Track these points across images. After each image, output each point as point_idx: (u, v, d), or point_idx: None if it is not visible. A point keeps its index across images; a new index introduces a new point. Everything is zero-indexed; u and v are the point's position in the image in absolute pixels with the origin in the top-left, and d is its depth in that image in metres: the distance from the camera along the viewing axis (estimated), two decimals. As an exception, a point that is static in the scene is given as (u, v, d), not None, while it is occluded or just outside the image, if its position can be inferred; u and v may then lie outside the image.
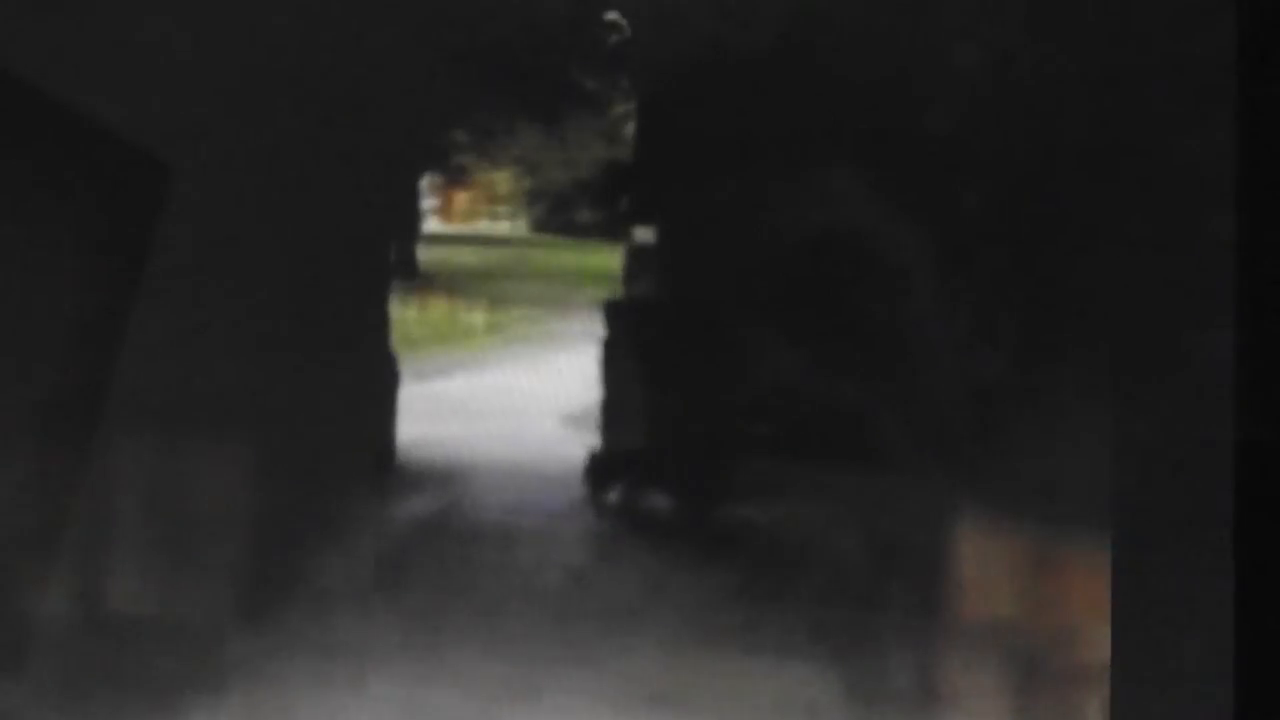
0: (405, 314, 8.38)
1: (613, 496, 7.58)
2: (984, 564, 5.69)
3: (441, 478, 7.94)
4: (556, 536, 7.43)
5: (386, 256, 8.24)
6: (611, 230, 8.43)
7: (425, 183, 8.82)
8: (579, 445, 7.59)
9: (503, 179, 9.06)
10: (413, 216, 8.65)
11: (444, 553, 7.37)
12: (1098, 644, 4.83)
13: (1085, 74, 5.12)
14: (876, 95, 6.40)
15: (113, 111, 5.66)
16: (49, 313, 5.51)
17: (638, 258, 8.00)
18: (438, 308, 8.84)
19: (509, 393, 8.48)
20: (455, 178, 8.98)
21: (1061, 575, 5.36)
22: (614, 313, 8.00)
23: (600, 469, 7.60)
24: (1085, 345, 5.14)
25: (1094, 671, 4.96)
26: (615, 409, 7.60)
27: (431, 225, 8.95)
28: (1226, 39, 4.03)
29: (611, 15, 8.05)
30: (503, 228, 9.24)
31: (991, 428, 5.64)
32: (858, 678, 6.03)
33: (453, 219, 9.13)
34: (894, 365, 6.30)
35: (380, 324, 8.02)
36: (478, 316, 8.98)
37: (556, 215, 9.04)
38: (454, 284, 9.07)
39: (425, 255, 8.81)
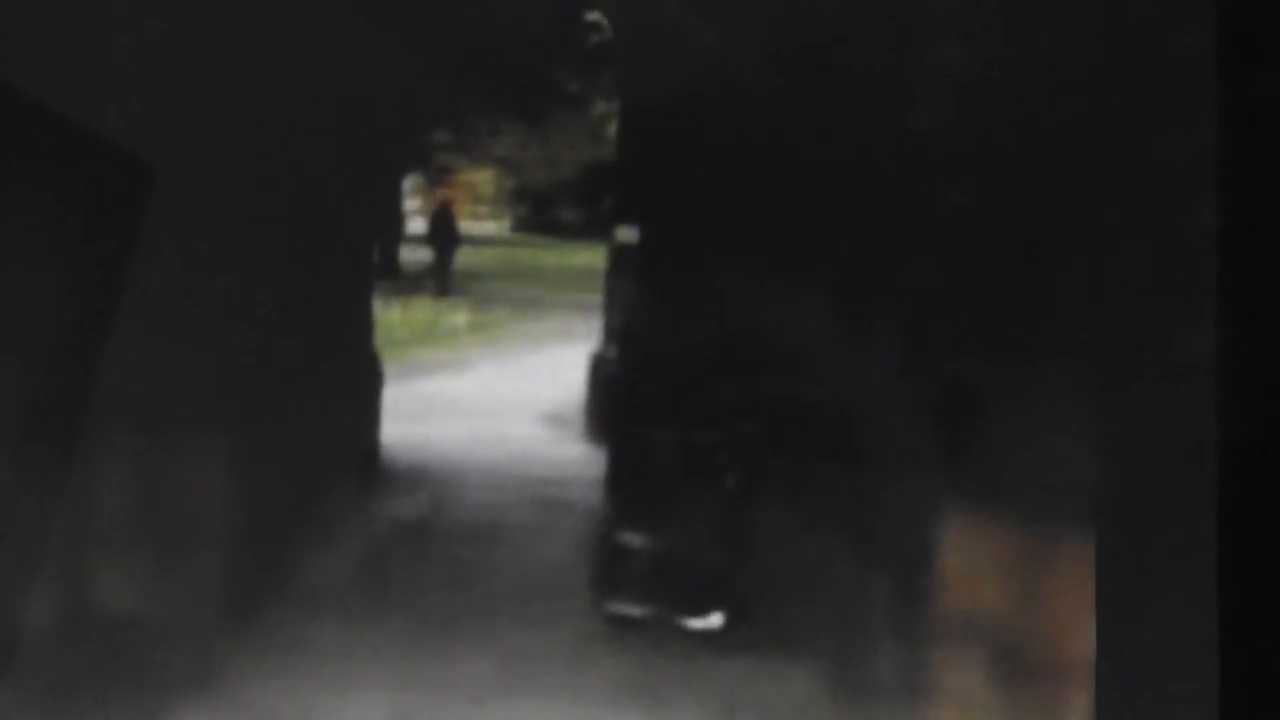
0: (389, 315, 8.39)
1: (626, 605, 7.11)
2: (970, 560, 5.69)
3: (424, 477, 7.94)
4: (538, 534, 7.43)
5: (370, 257, 8.24)
6: (594, 230, 8.43)
7: (408, 183, 8.83)
8: (562, 447, 7.60)
9: (485, 179, 9.07)
10: (396, 217, 8.65)
11: (427, 551, 7.38)
12: (1083, 639, 4.83)
13: (1068, 72, 5.13)
14: (859, 94, 6.39)
15: (96, 113, 5.64)
16: (32, 314, 5.49)
17: (620, 257, 8.00)
18: (421, 308, 8.84)
19: (492, 393, 8.49)
20: (438, 178, 8.98)
21: (1047, 571, 5.35)
22: (598, 311, 8.00)
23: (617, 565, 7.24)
24: (1070, 343, 5.15)
25: (1079, 666, 4.96)
26: (598, 410, 7.58)
27: (415, 226, 8.96)
28: (1207, 35, 4.03)
29: (593, 16, 8.06)
30: (486, 228, 9.26)
31: (977, 426, 5.64)
32: (844, 673, 6.04)
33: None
34: (878, 363, 6.30)
35: (364, 325, 8.03)
36: (461, 317, 8.98)
37: (539, 215, 9.06)
38: (437, 284, 9.07)
39: (408, 256, 8.82)
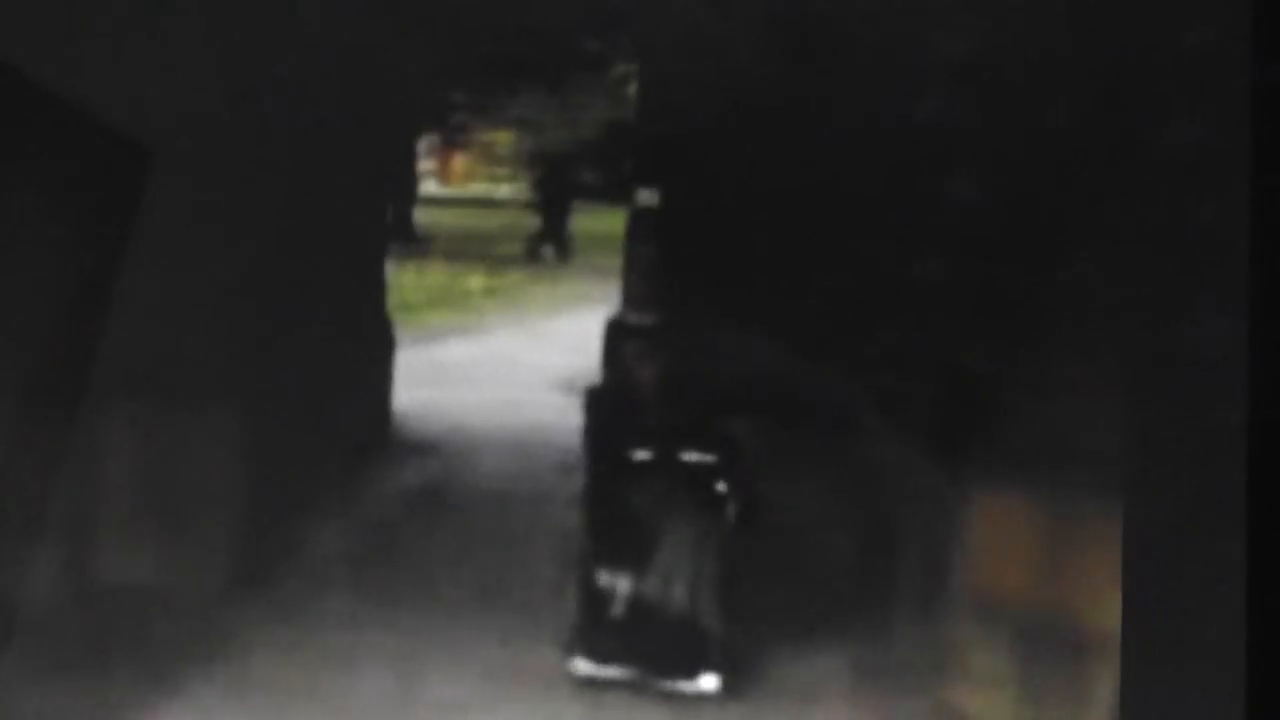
0: (402, 278, 8.31)
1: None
2: (998, 538, 5.62)
3: (438, 444, 7.88)
4: (553, 503, 7.34)
5: (383, 220, 8.17)
6: (614, 192, 8.34)
7: (423, 144, 8.75)
8: (579, 414, 7.49)
9: (502, 140, 8.98)
10: (410, 179, 8.58)
11: (440, 520, 7.32)
12: (1109, 614, 4.79)
13: (1104, 62, 5.05)
14: (880, 69, 6.30)
15: (104, 75, 5.58)
16: (32, 288, 5.44)
17: (640, 220, 7.90)
18: (435, 272, 8.77)
19: (507, 358, 8.41)
20: (453, 139, 8.90)
21: (1073, 547, 5.30)
22: (617, 275, 7.89)
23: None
24: (1099, 322, 5.07)
25: (1105, 641, 4.91)
26: (613, 378, 7.32)
27: (429, 188, 8.89)
28: (1240, 25, 4.00)
29: (613, -26, 7.96)
30: (502, 190, 9.17)
31: (1003, 405, 5.54)
32: (869, 652, 5.96)
33: (451, 181, 9.07)
34: (903, 339, 6.19)
35: (377, 289, 7.96)
36: (476, 280, 8.91)
37: (557, 177, 8.97)
38: (452, 247, 9.00)
39: (423, 218, 8.75)
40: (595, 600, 6.06)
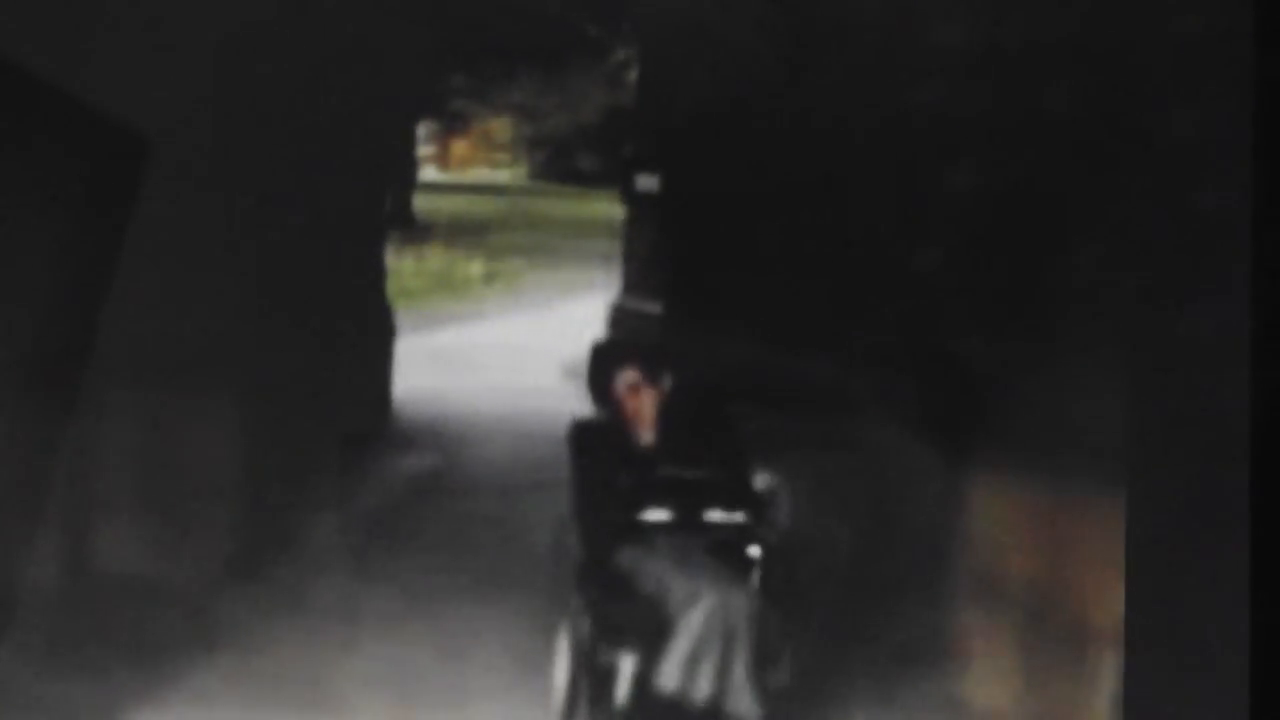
0: (402, 264, 8.30)
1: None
2: (1001, 523, 5.60)
3: (439, 431, 7.87)
4: (554, 489, 7.34)
5: (382, 206, 8.15)
6: (613, 178, 8.34)
7: (422, 130, 8.73)
8: (580, 399, 7.48)
9: (501, 126, 8.98)
10: (409, 165, 8.56)
11: (440, 506, 7.30)
12: (1113, 600, 4.78)
13: (1105, 51, 5.03)
14: (880, 57, 6.28)
15: (103, 65, 5.55)
16: (31, 278, 5.41)
17: (640, 205, 7.88)
18: (435, 258, 8.76)
19: (507, 344, 8.39)
20: (453, 125, 8.90)
21: (1077, 532, 5.29)
22: (617, 261, 7.89)
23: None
24: (1102, 308, 5.06)
25: (1109, 627, 4.90)
26: (606, 416, 6.37)
27: (429, 174, 8.88)
28: (1242, 14, 3.99)
29: (612, -41, 7.95)
30: (502, 176, 9.18)
31: (1013, 395, 5.52)
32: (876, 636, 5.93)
33: (450, 167, 9.07)
34: (904, 327, 6.16)
35: (376, 275, 7.94)
36: (476, 267, 8.90)
37: (557, 163, 8.96)
38: (452, 234, 8.99)
39: (422, 204, 8.73)
40: (601, 680, 5.16)
